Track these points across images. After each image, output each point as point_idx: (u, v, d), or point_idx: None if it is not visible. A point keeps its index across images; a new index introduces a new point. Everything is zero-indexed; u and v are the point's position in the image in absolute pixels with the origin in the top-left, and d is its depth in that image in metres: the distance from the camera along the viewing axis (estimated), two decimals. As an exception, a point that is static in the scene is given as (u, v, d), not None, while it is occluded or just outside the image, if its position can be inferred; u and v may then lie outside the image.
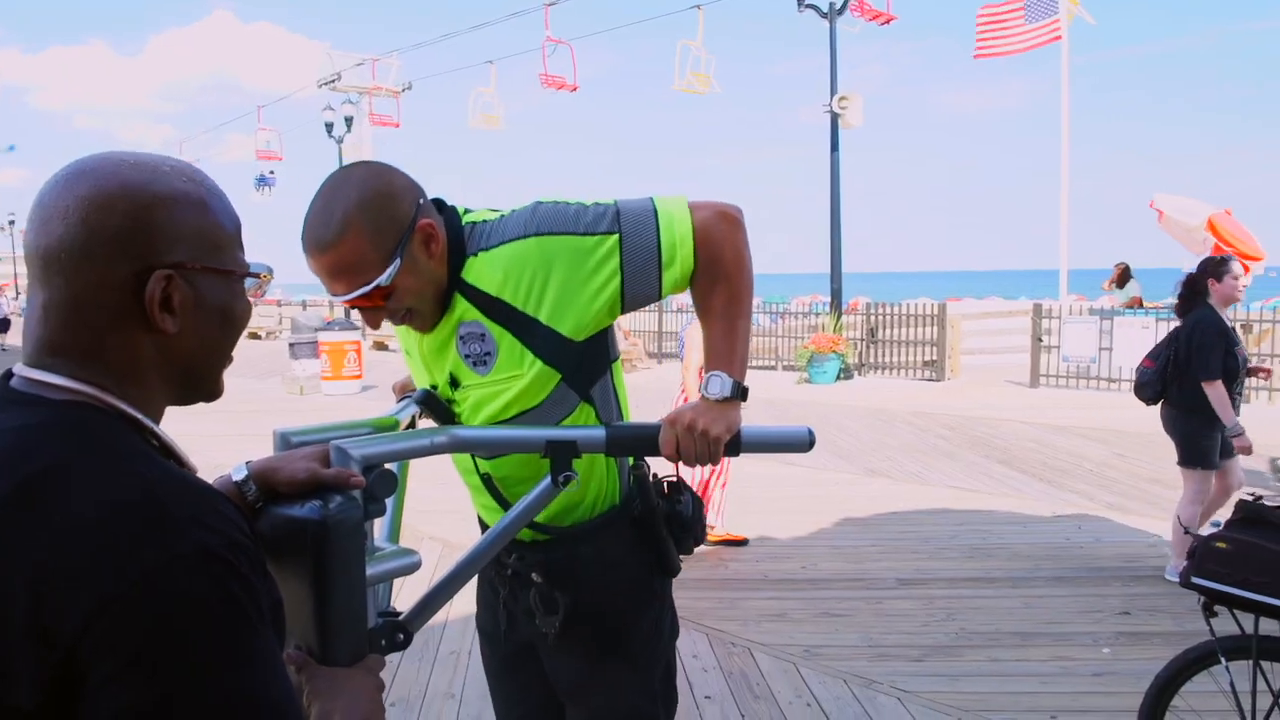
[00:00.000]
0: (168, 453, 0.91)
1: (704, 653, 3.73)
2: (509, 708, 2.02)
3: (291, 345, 13.63)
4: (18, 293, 31.31)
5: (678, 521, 1.76)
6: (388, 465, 1.28)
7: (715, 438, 1.45)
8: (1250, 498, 2.31)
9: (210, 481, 1.13)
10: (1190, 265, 13.83)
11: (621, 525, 1.74)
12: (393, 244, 1.48)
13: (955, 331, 13.55)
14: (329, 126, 22.86)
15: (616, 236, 1.54)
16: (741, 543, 5.24)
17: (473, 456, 1.73)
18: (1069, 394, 11.78)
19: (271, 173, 28.45)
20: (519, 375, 1.58)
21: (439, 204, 1.62)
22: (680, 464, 1.50)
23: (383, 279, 1.47)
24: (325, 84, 26.05)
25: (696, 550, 5.36)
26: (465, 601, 4.13)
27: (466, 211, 1.65)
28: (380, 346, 20.85)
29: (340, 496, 1.12)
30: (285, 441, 1.37)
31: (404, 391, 1.95)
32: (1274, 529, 2.19)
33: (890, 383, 13.40)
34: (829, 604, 4.30)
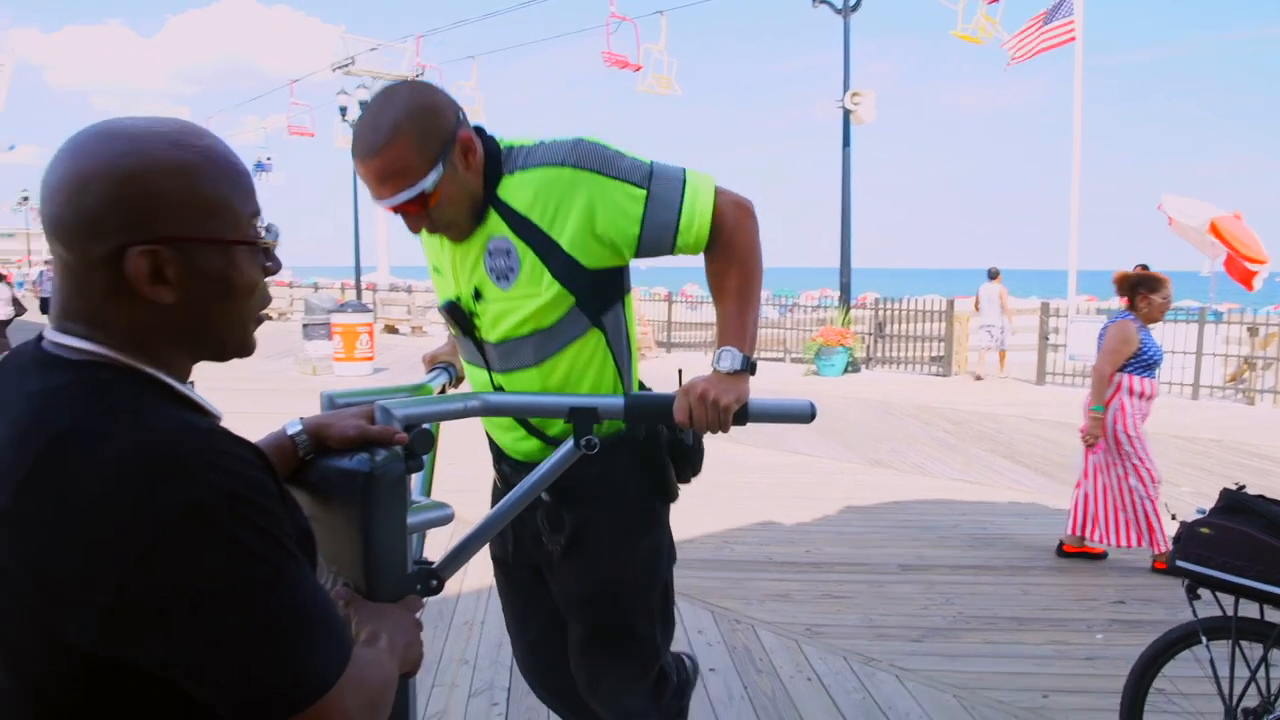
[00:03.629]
0: (186, 404, 0.92)
1: (708, 628, 3.85)
2: (520, 628, 2.14)
3: (305, 326, 13.78)
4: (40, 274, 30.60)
5: (679, 449, 1.87)
6: (425, 425, 1.40)
7: (725, 406, 1.57)
8: (1234, 487, 2.42)
9: (265, 436, 1.24)
10: (1208, 269, 13.85)
11: (626, 449, 1.84)
12: (436, 152, 1.60)
13: (963, 328, 13.62)
14: (343, 110, 22.96)
15: (645, 192, 1.68)
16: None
17: (489, 370, 1.84)
18: (1075, 392, 11.83)
19: (269, 159, 29.08)
20: (536, 294, 1.70)
21: (478, 129, 1.74)
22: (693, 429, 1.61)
23: (426, 184, 1.60)
24: (339, 68, 26.14)
25: (701, 532, 5.47)
26: (478, 574, 4.26)
27: (504, 139, 1.77)
28: (391, 330, 21.00)
29: (385, 451, 1.23)
30: (331, 402, 1.49)
31: (434, 361, 2.07)
32: (1254, 516, 2.30)
33: (897, 377, 13.49)
34: (831, 586, 4.41)
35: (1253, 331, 11.30)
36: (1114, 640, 3.78)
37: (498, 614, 3.98)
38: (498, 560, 2.11)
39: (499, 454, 2.00)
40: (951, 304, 13.74)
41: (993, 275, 13.36)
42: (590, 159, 1.67)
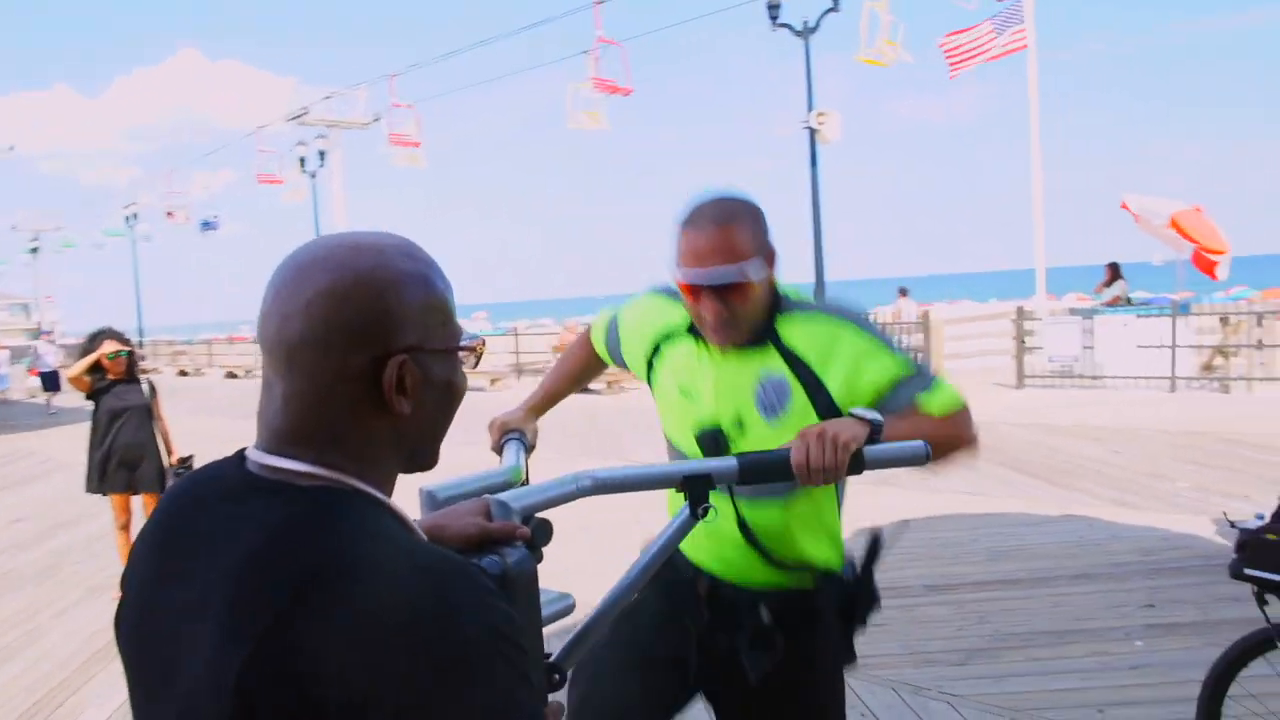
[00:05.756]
0: (405, 524, 0.91)
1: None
2: (634, 709, 1.98)
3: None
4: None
5: (872, 596, 1.87)
6: (539, 514, 1.35)
7: (844, 443, 1.50)
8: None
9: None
10: (1160, 258, 14.14)
11: (837, 586, 1.85)
12: (760, 248, 1.70)
13: (939, 337, 13.76)
14: (303, 161, 22.87)
15: (907, 360, 1.75)
16: None
17: (733, 500, 1.81)
18: (1055, 394, 12.00)
19: (215, 217, 29.47)
20: None
21: None
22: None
23: (750, 270, 1.68)
24: (293, 119, 26.05)
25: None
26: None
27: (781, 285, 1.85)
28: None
29: (514, 550, 1.18)
30: (432, 499, 1.43)
31: (504, 429, 1.97)
32: (1320, 521, 2.30)
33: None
34: (863, 614, 4.37)
35: (1224, 321, 11.52)
36: (1154, 646, 3.78)
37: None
38: (624, 645, 1.92)
39: (696, 573, 1.90)
40: (927, 314, 13.89)
41: (904, 292, 15.56)
42: (864, 322, 1.77)
